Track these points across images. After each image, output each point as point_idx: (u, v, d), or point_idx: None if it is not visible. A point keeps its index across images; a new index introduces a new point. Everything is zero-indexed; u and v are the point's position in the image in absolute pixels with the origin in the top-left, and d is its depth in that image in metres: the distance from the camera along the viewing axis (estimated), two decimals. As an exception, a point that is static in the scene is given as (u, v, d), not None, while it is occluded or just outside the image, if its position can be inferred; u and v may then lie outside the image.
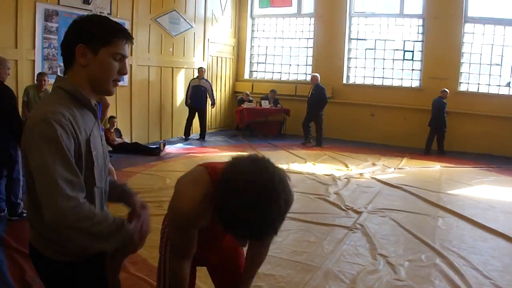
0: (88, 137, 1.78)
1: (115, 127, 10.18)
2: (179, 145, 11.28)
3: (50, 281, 1.94)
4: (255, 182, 1.64)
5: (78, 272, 1.89)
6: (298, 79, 14.15)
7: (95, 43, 1.77)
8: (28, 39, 8.16)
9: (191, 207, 1.88)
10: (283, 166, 8.90)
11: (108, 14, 9.70)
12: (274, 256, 4.49)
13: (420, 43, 12.47)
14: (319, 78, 11.98)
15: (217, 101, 13.73)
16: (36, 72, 7.75)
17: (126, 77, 10.43)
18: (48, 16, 8.43)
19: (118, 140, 10.18)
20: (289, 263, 4.38)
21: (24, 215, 5.42)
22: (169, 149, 10.41)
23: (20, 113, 5.90)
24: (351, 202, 6.55)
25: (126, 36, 1.84)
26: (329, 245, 4.88)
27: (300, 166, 9.12)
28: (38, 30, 8.29)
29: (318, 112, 11.81)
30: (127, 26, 10.28)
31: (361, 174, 8.54)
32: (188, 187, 1.92)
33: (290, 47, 14.33)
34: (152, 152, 9.84)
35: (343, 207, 6.28)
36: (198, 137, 12.22)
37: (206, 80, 12.12)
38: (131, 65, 10.50)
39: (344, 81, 13.32)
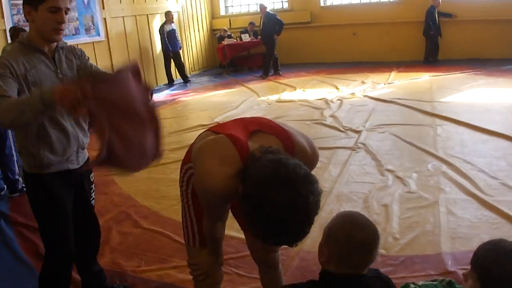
0: (26, 72, 2.23)
1: (99, 82, 10.01)
2: (166, 91, 11.16)
3: (27, 190, 2.57)
4: (290, 205, 1.51)
5: (44, 183, 2.43)
6: (276, 8, 13.80)
7: (34, 2, 2.19)
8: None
9: (222, 188, 1.74)
10: (274, 96, 8.87)
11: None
12: (283, 186, 4.52)
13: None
14: (266, 6, 11.91)
15: (196, 42, 13.54)
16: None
17: (101, 31, 10.19)
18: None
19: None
20: (300, 191, 4.40)
21: (25, 189, 5.34)
22: (156, 97, 10.30)
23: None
24: (348, 122, 6.57)
25: None
26: (336, 168, 4.91)
27: (291, 94, 9.10)
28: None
29: (274, 40, 11.58)
30: (96, -25, 9.95)
31: (352, 93, 8.54)
32: (217, 167, 1.75)
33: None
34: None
35: (341, 129, 6.30)
36: (181, 81, 12.08)
37: (174, 24, 11.89)
38: (104, 19, 10.19)
39: (322, 4, 13.07)
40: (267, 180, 1.53)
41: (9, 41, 7.33)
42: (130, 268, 3.47)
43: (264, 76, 11.60)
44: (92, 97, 1.98)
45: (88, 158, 2.66)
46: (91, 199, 2.84)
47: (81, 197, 2.69)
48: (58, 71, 2.38)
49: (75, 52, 2.53)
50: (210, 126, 2.40)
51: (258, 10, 12.05)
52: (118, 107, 2.15)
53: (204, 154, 1.84)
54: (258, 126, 1.92)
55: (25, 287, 3.38)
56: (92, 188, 2.85)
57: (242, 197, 1.62)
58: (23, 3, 2.25)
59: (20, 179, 5.35)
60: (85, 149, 2.62)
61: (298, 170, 1.55)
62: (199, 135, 2.15)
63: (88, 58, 2.65)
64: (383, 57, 12.04)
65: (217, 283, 2.36)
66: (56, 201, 2.48)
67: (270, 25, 11.48)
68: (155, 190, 4.88)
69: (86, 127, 2.56)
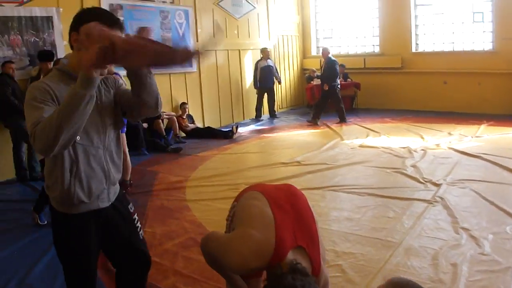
0: None
1: (187, 113, 10.38)
2: (251, 126, 11.38)
3: (53, 226, 2.39)
4: None
5: (71, 224, 2.30)
6: (366, 51, 13.83)
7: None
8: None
9: (235, 270, 1.86)
10: (358, 140, 8.83)
11: (170, 3, 9.89)
12: (352, 233, 4.49)
13: (490, 2, 11.78)
14: (329, 51, 11.49)
15: (286, 80, 13.79)
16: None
17: (194, 63, 10.61)
18: (113, 10, 8.64)
19: (191, 126, 10.39)
20: (369, 240, 4.35)
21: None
22: (242, 131, 10.54)
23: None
24: (429, 174, 6.38)
25: (108, 22, 2.09)
26: (409, 220, 4.79)
27: (375, 140, 9.00)
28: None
29: (334, 86, 11.15)
30: (191, 13, 10.47)
31: (437, 144, 8.30)
32: (248, 253, 1.81)
33: (356, 19, 13.97)
34: (225, 135, 9.99)
35: (421, 180, 6.14)
36: (269, 117, 12.29)
37: (271, 60, 12.19)
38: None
39: (413, 50, 12.90)
40: None
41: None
42: (190, 294, 3.55)
43: (313, 121, 11.28)
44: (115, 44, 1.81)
45: (119, 193, 2.52)
46: (139, 230, 2.63)
47: (117, 232, 2.50)
48: (99, 102, 2.23)
49: (111, 81, 2.38)
50: (274, 184, 2.43)
51: (348, 52, 12.05)
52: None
53: (247, 232, 1.88)
54: (305, 243, 1.95)
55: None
56: (135, 218, 2.62)
57: None
58: (70, 30, 2.15)
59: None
60: (117, 184, 2.48)
61: None
62: (252, 187, 2.25)
63: (123, 83, 2.46)
64: (473, 108, 11.65)
65: None
66: (82, 245, 2.34)
67: (328, 73, 11.15)
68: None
69: (119, 162, 2.42)
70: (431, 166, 6.86)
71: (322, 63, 11.54)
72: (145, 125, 9.10)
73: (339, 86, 11.29)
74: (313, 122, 11.23)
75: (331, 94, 11.15)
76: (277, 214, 1.94)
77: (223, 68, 11.58)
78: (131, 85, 2.14)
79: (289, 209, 2.02)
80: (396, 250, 4.09)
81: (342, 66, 12.95)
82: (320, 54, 13.45)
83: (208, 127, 10.66)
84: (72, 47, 2.18)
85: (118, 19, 2.22)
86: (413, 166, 6.88)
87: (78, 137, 2.09)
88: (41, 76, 6.78)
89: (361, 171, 6.79)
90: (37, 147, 1.92)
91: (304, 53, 14.79)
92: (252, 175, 6.79)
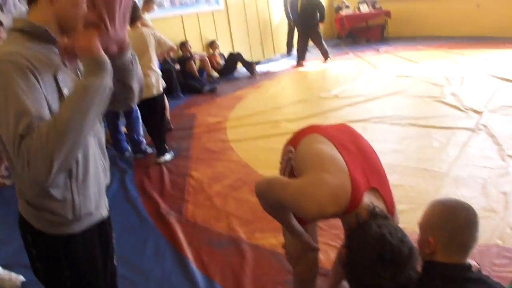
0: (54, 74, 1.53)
1: (219, 51, 10.32)
2: (284, 60, 11.30)
3: (41, 258, 1.71)
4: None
5: (73, 247, 1.70)
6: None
7: None
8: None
9: (313, 216, 1.80)
10: (393, 70, 8.68)
11: None
12: (399, 165, 4.51)
13: None
14: None
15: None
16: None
17: (221, 1, 10.49)
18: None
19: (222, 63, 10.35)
20: (416, 171, 4.37)
21: (148, 151, 5.76)
22: (275, 65, 10.47)
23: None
24: (469, 102, 6.28)
25: None
26: (454, 150, 4.77)
27: (410, 68, 8.82)
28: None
29: (316, 27, 10.45)
30: None
31: (475, 71, 8.11)
32: (325, 200, 1.74)
33: None
34: (248, 66, 10.04)
35: (462, 108, 6.06)
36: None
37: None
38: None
39: (444, -27, 12.39)
40: (372, 264, 1.59)
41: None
42: (244, 234, 3.68)
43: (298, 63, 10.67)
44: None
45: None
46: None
47: (107, 247, 1.94)
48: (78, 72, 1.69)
49: None
50: (321, 126, 2.33)
51: None
52: None
53: (322, 177, 1.80)
54: (377, 184, 1.92)
55: (146, 243, 3.71)
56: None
57: (347, 275, 1.71)
58: None
59: (144, 140, 5.72)
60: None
61: (403, 250, 1.59)
62: (309, 129, 2.22)
63: None
64: (509, 32, 11.16)
65: (309, 270, 2.38)
66: (90, 272, 1.79)
67: (308, 9, 10.27)
68: (271, 160, 4.96)
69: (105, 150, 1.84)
70: (470, 93, 6.73)
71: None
72: (177, 67, 9.09)
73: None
74: (299, 65, 10.66)
75: (311, 32, 10.50)
76: (346, 157, 1.90)
77: (250, 5, 11.39)
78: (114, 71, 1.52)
79: (355, 150, 1.99)
80: (444, 180, 4.12)
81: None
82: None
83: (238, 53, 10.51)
84: None
85: None
86: (452, 94, 6.77)
87: None
88: None
89: (400, 102, 6.73)
90: (30, 175, 1.32)
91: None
92: (291, 111, 6.82)
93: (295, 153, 2.13)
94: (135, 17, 5.00)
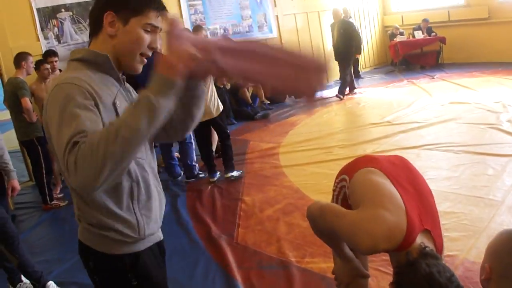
0: (114, 101, 1.59)
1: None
2: (337, 87, 11.29)
3: (105, 282, 1.74)
4: None
5: (138, 268, 1.73)
6: (450, 4, 13.21)
7: (125, 12, 1.58)
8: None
9: (365, 250, 1.78)
10: (447, 97, 8.57)
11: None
12: (453, 192, 4.44)
13: None
14: (341, 12, 10.09)
15: (368, 39, 13.50)
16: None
17: (274, 28, 10.69)
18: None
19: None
20: (470, 199, 4.28)
21: (201, 175, 5.89)
22: (327, 93, 10.49)
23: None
24: (526, 129, 6.11)
25: (158, 7, 1.62)
26: (510, 177, 4.65)
27: (465, 95, 8.66)
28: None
29: (352, 56, 10.16)
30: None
31: (534, 98, 7.93)
32: (380, 235, 1.75)
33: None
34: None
35: (518, 135, 5.91)
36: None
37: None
38: (276, 16, 10.82)
39: (501, -2, 12.19)
40: None
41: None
42: (294, 258, 3.69)
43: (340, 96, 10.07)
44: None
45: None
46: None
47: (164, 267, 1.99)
48: None
49: None
50: (379, 155, 2.36)
51: (430, 6, 11.39)
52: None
53: (380, 213, 1.81)
54: (430, 226, 1.91)
55: (196, 265, 3.78)
56: None
57: None
58: (106, 7, 1.60)
59: (197, 165, 5.86)
60: None
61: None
62: (366, 161, 2.22)
63: None
64: None
65: None
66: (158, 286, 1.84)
67: (344, 39, 9.79)
68: (323, 185, 4.97)
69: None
70: (528, 121, 6.56)
71: (335, 29, 10.16)
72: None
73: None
74: (339, 97, 10.05)
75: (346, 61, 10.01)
76: (404, 196, 1.90)
77: (303, 31, 11.51)
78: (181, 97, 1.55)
79: (411, 189, 1.99)
80: (499, 209, 4.01)
81: (425, 20, 12.57)
82: (399, 10, 12.96)
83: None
84: (98, 29, 1.63)
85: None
86: (509, 121, 6.59)
87: None
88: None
89: (455, 128, 6.62)
90: (77, 180, 1.29)
91: (385, 10, 14.36)
92: (344, 138, 6.83)
93: (351, 182, 2.13)
94: None
